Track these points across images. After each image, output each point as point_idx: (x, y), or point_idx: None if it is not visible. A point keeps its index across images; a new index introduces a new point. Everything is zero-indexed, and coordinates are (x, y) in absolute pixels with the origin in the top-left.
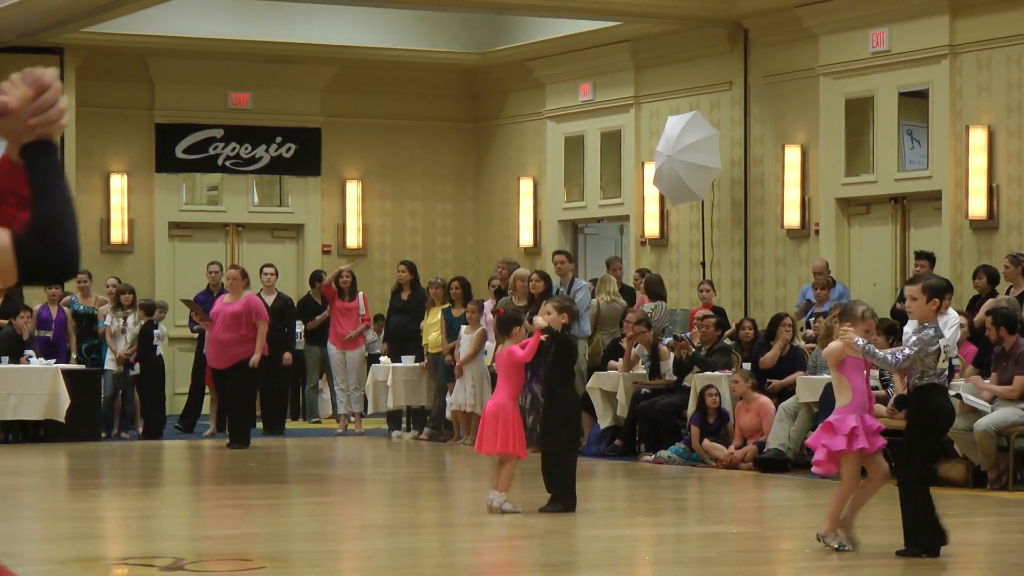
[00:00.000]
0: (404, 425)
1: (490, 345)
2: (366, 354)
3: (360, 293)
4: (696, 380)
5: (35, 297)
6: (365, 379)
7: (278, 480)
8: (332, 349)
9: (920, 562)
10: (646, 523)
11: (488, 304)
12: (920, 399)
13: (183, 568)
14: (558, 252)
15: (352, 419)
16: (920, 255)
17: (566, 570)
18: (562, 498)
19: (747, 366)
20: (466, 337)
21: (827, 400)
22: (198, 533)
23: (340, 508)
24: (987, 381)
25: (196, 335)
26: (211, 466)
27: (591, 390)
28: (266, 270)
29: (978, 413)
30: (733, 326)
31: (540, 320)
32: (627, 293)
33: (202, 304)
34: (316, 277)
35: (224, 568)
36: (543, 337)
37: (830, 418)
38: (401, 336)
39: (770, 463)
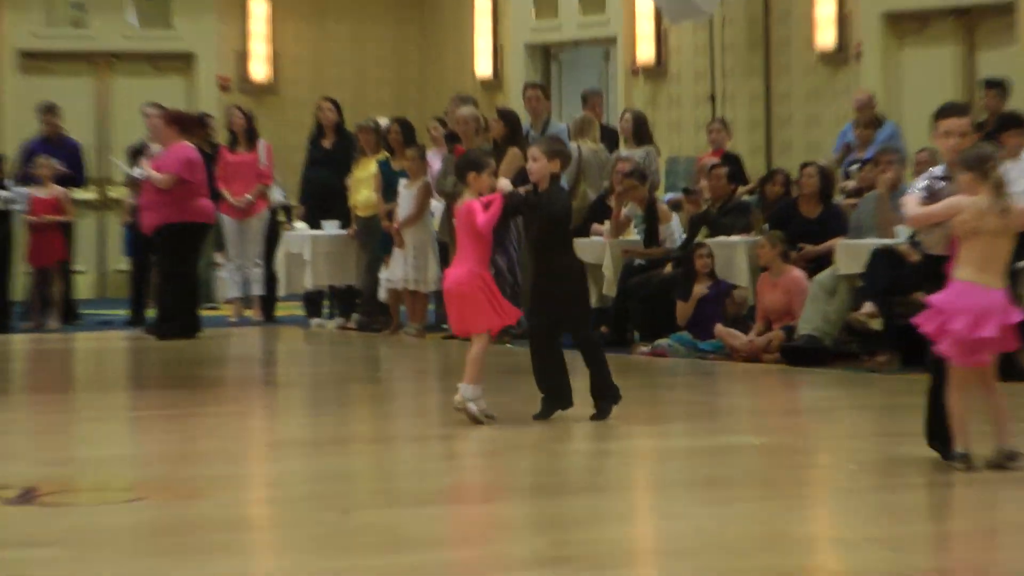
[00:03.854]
0: (327, 311)
1: (437, 205)
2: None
3: (261, 141)
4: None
5: None
6: (272, 252)
7: (166, 384)
8: (224, 218)
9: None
10: (644, 433)
11: (432, 155)
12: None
13: (36, 500)
14: (531, 86)
15: (250, 305)
16: (990, 83)
17: (542, 494)
18: (609, 396)
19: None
20: (406, 193)
21: (875, 272)
22: (62, 454)
23: (245, 420)
24: None
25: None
26: (81, 369)
27: None
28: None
29: None
30: (755, 179)
31: (504, 182)
32: (609, 137)
33: (33, 154)
34: (200, 121)
35: (93, 500)
36: (520, 190)
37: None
38: (322, 195)
39: (801, 353)
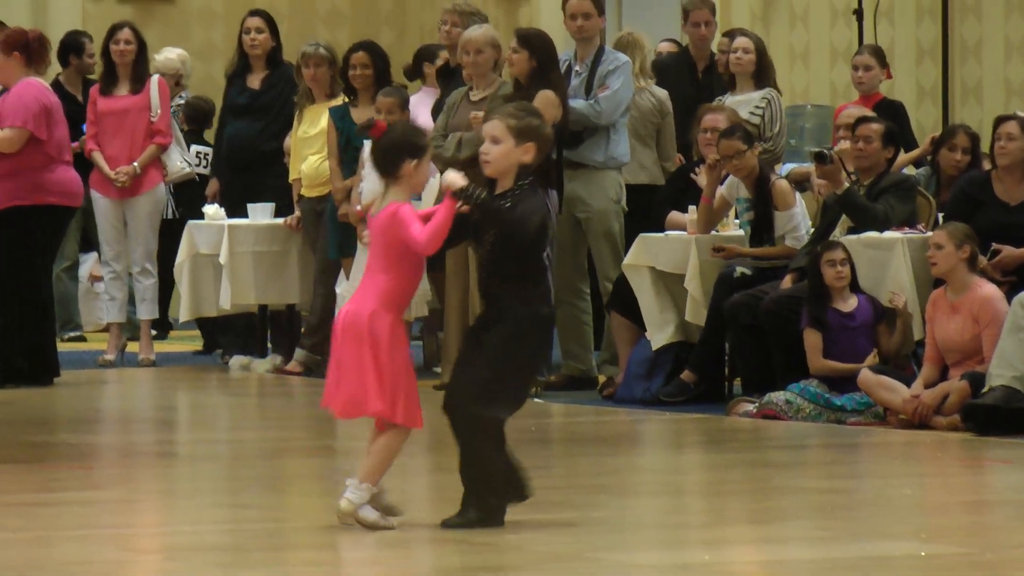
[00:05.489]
0: (252, 344)
1: (432, 181)
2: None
3: (154, 77)
4: (846, 245)
5: None
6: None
7: (3, 458)
8: (96, 196)
9: None
10: (748, 538)
11: (418, 101)
12: None
13: None
14: None
15: (136, 334)
16: None
17: None
18: (479, 500)
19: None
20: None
21: None
22: None
23: (127, 513)
24: None
25: None
26: None
27: (631, 271)
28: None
29: None
30: (924, 141)
31: (453, 176)
32: (708, 76)
33: None
34: (73, 45)
35: None
36: (461, 205)
37: None
38: (247, 164)
39: (995, 416)
